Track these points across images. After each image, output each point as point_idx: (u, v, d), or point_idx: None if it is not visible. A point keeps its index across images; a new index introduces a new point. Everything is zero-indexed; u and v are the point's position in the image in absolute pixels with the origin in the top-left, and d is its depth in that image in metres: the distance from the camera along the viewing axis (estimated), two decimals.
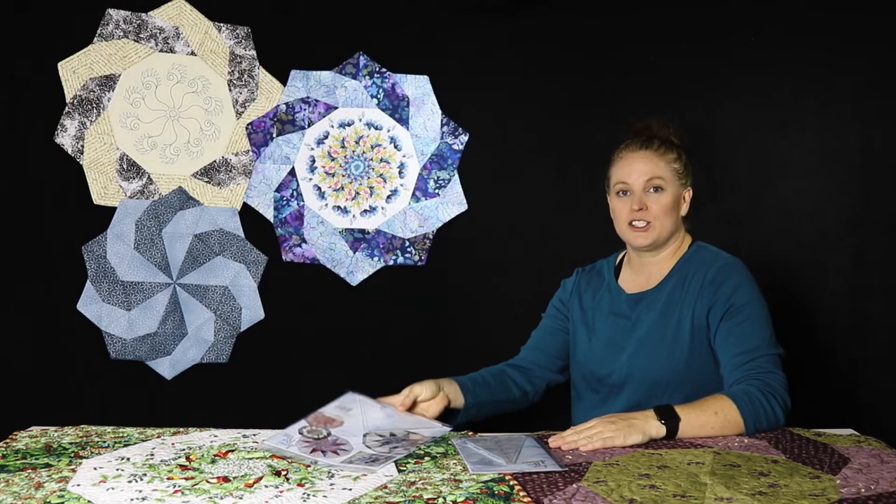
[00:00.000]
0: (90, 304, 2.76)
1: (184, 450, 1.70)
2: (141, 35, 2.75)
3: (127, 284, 2.76)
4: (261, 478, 1.52)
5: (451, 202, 2.78)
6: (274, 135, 2.78)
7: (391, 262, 2.80)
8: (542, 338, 2.23)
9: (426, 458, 1.66)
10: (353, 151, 2.79)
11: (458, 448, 1.72)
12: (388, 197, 2.79)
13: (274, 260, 2.80)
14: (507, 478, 1.52)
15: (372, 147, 2.79)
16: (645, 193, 2.02)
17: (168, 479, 1.52)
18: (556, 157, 2.79)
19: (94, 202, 2.76)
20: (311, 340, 2.83)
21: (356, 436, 1.65)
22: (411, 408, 1.86)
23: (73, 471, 1.57)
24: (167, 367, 2.79)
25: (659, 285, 2.05)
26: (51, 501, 1.40)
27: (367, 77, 2.78)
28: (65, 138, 2.74)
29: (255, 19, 2.77)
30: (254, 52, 2.77)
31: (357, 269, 2.80)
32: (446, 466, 1.60)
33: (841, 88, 2.69)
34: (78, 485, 1.49)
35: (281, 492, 1.45)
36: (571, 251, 2.69)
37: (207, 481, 1.50)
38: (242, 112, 2.77)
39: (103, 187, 2.77)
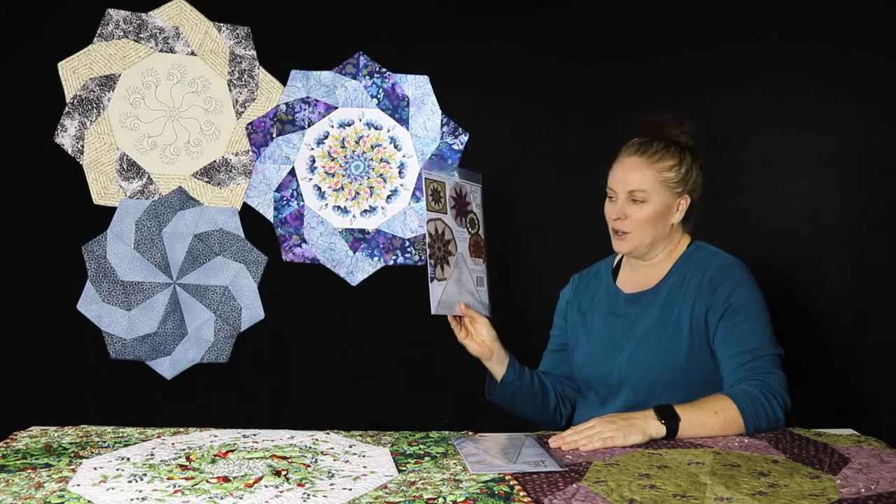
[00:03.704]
0: (90, 304, 2.76)
1: (184, 450, 1.70)
2: (141, 35, 2.75)
3: (127, 284, 2.76)
4: (261, 478, 1.52)
5: None
6: (274, 135, 2.78)
7: (391, 262, 2.80)
8: (554, 363, 2.22)
9: (426, 458, 1.66)
10: (353, 151, 2.79)
11: (458, 448, 1.72)
12: (388, 197, 2.79)
13: (274, 260, 2.80)
14: (507, 478, 1.52)
15: (372, 147, 2.79)
16: (627, 202, 2.01)
17: (168, 479, 1.52)
18: (556, 157, 2.79)
19: (94, 202, 2.76)
20: (311, 340, 2.83)
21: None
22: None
23: (73, 471, 1.57)
24: (167, 367, 2.79)
25: (657, 285, 2.05)
26: (51, 501, 1.40)
27: (367, 77, 2.78)
28: (65, 138, 2.74)
29: (255, 19, 2.77)
30: (254, 52, 2.77)
31: (357, 269, 2.80)
32: (446, 466, 1.60)
33: (841, 88, 2.69)
34: (78, 485, 1.49)
35: (281, 492, 1.45)
36: (571, 251, 2.69)
37: (207, 481, 1.50)
38: (242, 112, 2.78)
39: (103, 187, 2.77)
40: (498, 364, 2.05)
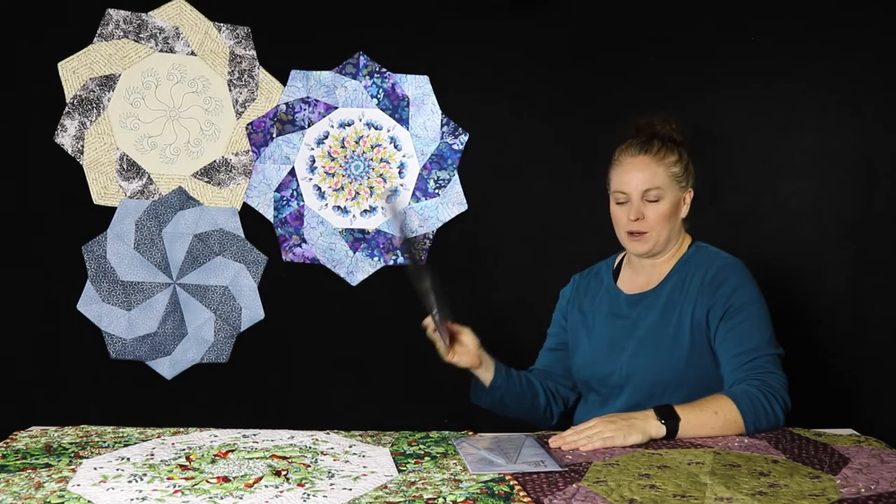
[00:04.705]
0: (90, 304, 2.76)
1: (184, 450, 1.70)
2: (141, 35, 2.75)
3: (127, 284, 2.76)
4: (261, 478, 1.52)
5: (451, 202, 2.79)
6: (274, 135, 2.78)
7: (391, 262, 2.80)
8: (551, 361, 2.23)
9: (426, 458, 1.66)
10: (353, 151, 2.79)
11: (458, 448, 1.72)
12: (389, 197, 2.79)
13: (274, 260, 2.80)
14: (507, 478, 1.52)
15: (372, 147, 2.79)
16: (642, 202, 2.01)
17: (168, 479, 1.52)
18: (556, 157, 2.79)
19: (94, 202, 2.76)
20: (311, 340, 2.83)
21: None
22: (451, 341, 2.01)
23: (73, 471, 1.57)
24: (167, 367, 2.79)
25: (659, 286, 2.05)
26: (51, 501, 1.40)
27: (367, 77, 2.78)
28: (65, 138, 2.74)
29: (255, 19, 2.77)
30: (254, 52, 2.77)
31: (357, 269, 2.80)
32: (446, 466, 1.60)
33: (841, 89, 2.69)
34: (78, 485, 1.49)
35: (281, 492, 1.45)
36: (572, 251, 2.69)
37: (207, 481, 1.50)
38: (242, 112, 2.78)
39: (103, 187, 2.77)
40: (485, 371, 2.07)
